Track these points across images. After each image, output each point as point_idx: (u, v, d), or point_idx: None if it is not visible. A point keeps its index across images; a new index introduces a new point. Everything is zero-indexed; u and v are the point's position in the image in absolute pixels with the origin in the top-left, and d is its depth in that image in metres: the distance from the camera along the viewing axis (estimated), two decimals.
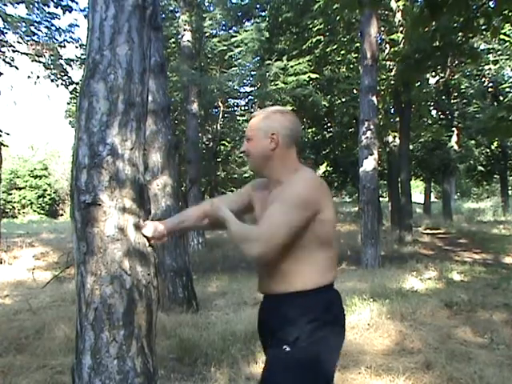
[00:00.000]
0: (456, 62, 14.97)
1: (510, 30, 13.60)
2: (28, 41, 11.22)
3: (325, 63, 14.61)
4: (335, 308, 1.73)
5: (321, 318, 1.65)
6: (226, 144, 16.71)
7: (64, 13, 10.16)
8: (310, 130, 18.34)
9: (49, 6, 10.76)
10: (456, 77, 17.94)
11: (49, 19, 11.29)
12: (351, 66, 14.74)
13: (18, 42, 11.26)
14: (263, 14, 15.51)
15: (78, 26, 12.76)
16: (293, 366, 1.62)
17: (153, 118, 5.37)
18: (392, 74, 12.99)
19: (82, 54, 11.83)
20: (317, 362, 1.63)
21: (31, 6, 10.78)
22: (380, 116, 13.76)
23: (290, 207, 1.63)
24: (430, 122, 18.92)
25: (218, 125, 14.95)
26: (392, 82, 12.91)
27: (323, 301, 1.68)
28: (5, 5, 10.41)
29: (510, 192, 24.33)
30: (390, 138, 15.50)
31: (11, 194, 31.81)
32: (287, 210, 1.62)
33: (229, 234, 1.77)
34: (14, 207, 31.98)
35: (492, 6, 5.85)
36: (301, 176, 1.72)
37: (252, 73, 14.14)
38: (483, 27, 6.25)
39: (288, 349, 1.62)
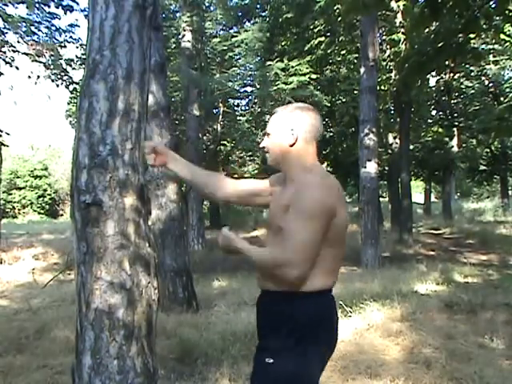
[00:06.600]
0: (457, 62, 14.96)
1: (510, 30, 13.58)
2: (28, 41, 11.20)
3: (325, 63, 14.61)
4: (325, 317, 1.71)
5: (307, 326, 1.62)
6: (227, 144, 16.70)
7: (65, 13, 10.14)
8: None
9: (49, 6, 10.75)
10: (456, 77, 17.92)
11: (49, 19, 11.28)
12: (351, 66, 14.73)
13: (18, 42, 11.23)
14: (264, 14, 15.51)
15: (78, 26, 12.71)
16: (276, 379, 1.62)
17: (153, 118, 5.36)
18: (392, 74, 12.98)
19: (82, 54, 11.81)
20: (299, 376, 1.61)
21: (32, 6, 10.75)
22: (380, 116, 13.75)
23: (307, 220, 1.59)
24: (430, 121, 18.90)
25: (219, 125, 14.95)
26: (392, 82, 12.90)
27: (314, 308, 1.65)
28: (5, 5, 10.40)
29: (510, 192, 24.31)
30: (391, 138, 15.49)
31: (11, 194, 31.83)
32: (306, 224, 1.59)
33: (253, 262, 1.73)
34: (14, 207, 32.01)
35: (493, 6, 5.85)
36: (312, 181, 1.67)
37: (253, 73, 14.13)
38: (484, 27, 6.24)
39: (271, 360, 1.61)
